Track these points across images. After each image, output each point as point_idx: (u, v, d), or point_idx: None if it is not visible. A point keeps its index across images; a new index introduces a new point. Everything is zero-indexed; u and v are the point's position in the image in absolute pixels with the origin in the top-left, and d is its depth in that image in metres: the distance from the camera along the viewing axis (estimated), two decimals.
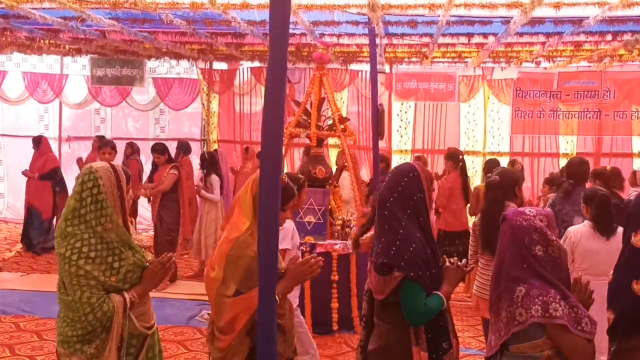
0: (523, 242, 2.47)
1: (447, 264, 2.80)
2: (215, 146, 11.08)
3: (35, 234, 8.91)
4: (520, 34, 7.40)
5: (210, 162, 7.66)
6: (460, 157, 7.67)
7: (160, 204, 7.25)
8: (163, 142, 7.98)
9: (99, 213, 2.52)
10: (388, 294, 2.65)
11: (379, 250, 2.72)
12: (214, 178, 7.61)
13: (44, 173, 8.94)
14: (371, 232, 2.92)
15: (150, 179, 7.72)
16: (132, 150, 9.17)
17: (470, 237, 4.56)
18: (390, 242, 2.69)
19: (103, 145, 6.55)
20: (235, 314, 2.61)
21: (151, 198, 7.55)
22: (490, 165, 7.07)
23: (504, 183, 4.25)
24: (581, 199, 4.57)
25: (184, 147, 8.29)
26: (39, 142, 9.15)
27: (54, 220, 9.01)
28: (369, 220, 4.10)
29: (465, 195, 7.32)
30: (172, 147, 9.78)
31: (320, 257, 2.72)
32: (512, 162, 8.34)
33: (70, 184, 9.49)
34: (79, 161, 8.81)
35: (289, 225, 4.10)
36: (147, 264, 2.63)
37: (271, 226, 2.50)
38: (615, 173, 6.03)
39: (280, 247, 3.72)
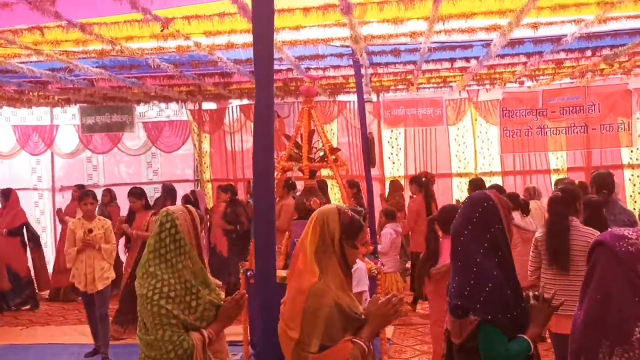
0: (635, 271, 1.95)
1: (532, 301, 2.54)
2: (209, 186, 11.16)
3: (12, 295, 8.49)
4: (502, 56, 7.49)
5: (194, 205, 7.57)
6: (424, 179, 8.04)
7: (139, 252, 6.82)
8: (141, 187, 7.80)
9: (179, 251, 2.59)
10: (465, 338, 2.46)
11: (453, 290, 2.52)
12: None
13: (13, 228, 8.54)
14: (446, 262, 2.81)
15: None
16: (111, 197, 9.10)
17: (531, 253, 4.50)
18: (464, 282, 2.48)
19: (84, 196, 6.25)
20: None
21: (128, 244, 7.25)
22: (475, 185, 7.41)
23: (567, 198, 4.32)
24: (615, 209, 4.76)
25: (171, 192, 8.24)
26: (8, 195, 8.62)
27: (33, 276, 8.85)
28: (430, 251, 4.17)
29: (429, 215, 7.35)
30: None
31: (401, 296, 2.52)
32: (475, 181, 8.35)
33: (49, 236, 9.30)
34: (59, 212, 8.68)
35: (361, 265, 3.95)
36: (222, 302, 2.70)
37: (268, 261, 2.62)
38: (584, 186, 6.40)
39: (357, 289, 3.73)
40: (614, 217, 4.88)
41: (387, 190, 9.74)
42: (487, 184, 9.56)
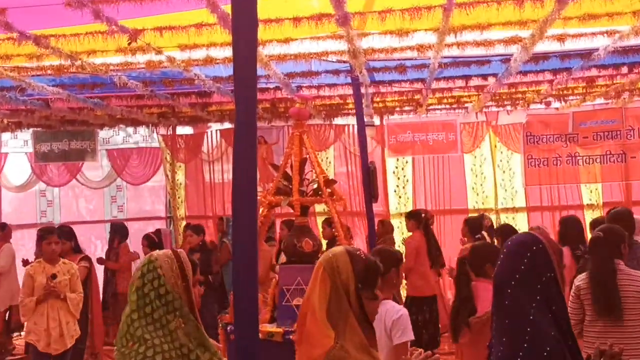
0: None
1: None
2: (184, 223, 11.14)
3: None
4: (524, 73, 7.61)
5: (159, 246, 7.63)
6: (423, 215, 8.31)
7: None
8: (68, 226, 7.66)
9: (167, 309, 2.56)
10: None
11: (500, 355, 2.43)
12: None
13: None
14: (487, 310, 2.75)
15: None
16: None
17: (570, 303, 4.48)
18: (515, 344, 2.39)
19: (46, 234, 6.00)
20: None
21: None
22: (472, 224, 7.68)
23: (610, 239, 4.34)
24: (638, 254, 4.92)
25: (120, 231, 8.19)
26: None
27: None
28: (464, 297, 4.18)
29: (431, 256, 7.87)
30: (133, 229, 9.92)
31: (437, 355, 2.47)
32: (481, 217, 8.66)
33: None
34: (25, 262, 8.48)
35: (404, 311, 3.92)
36: None
37: (250, 314, 2.62)
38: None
39: (401, 339, 3.75)
40: (637, 262, 4.92)
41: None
42: (507, 222, 9.82)
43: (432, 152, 10.69)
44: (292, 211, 6.01)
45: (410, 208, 10.82)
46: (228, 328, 5.30)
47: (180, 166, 11.61)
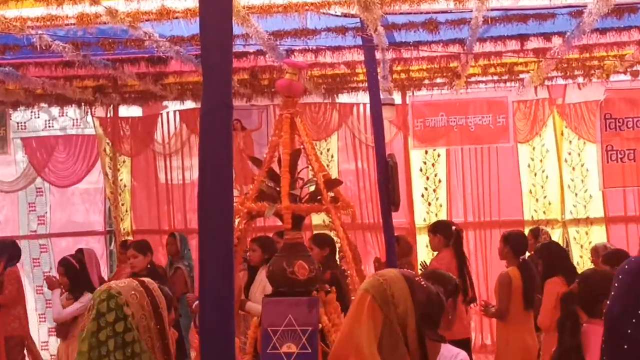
0: None
1: None
2: (130, 237, 11.27)
3: None
4: (602, 31, 7.66)
5: (81, 275, 7.84)
6: (454, 228, 8.28)
7: None
8: None
9: None
10: None
11: None
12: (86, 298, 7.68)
13: None
14: None
15: None
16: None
17: None
18: None
19: None
20: None
21: None
22: (516, 241, 7.76)
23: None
24: None
25: (7, 250, 8.33)
26: None
27: None
28: (568, 347, 4.24)
29: (464, 284, 7.78)
30: (59, 248, 10.36)
31: None
32: (535, 232, 8.97)
33: None
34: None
35: (460, 355, 4.05)
36: None
37: None
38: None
39: None
40: None
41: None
42: (579, 236, 10.21)
43: (475, 142, 10.79)
44: (279, 223, 6.06)
45: (444, 218, 10.83)
46: None
47: (124, 161, 11.65)
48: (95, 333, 2.58)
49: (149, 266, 8.21)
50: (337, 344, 2.59)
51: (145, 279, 2.78)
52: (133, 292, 2.65)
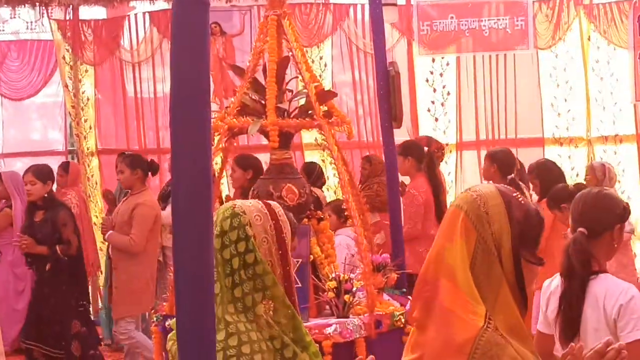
0: None
1: None
2: (96, 161, 11.24)
3: None
4: None
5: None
6: (427, 149, 8.28)
7: None
8: None
9: (254, 285, 2.67)
10: None
11: None
12: None
13: None
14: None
15: None
16: None
17: None
18: None
19: None
20: None
21: None
22: (503, 159, 7.87)
23: None
24: None
25: None
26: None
27: None
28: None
29: (439, 213, 7.86)
30: (15, 168, 10.06)
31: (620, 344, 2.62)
32: (506, 152, 8.57)
33: None
34: None
35: (631, 290, 3.91)
36: None
37: (203, 309, 2.52)
38: None
39: (634, 336, 3.79)
40: None
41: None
42: (609, 156, 10.34)
43: (489, 49, 10.41)
44: (265, 143, 6.22)
45: (453, 139, 10.70)
46: (167, 323, 5.45)
47: (87, 71, 11.16)
48: (219, 250, 2.65)
49: (46, 195, 8.07)
50: (426, 264, 2.63)
51: (272, 202, 2.88)
52: (257, 214, 2.72)
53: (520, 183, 7.92)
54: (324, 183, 9.10)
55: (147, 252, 7.79)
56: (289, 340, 2.69)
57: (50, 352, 7.96)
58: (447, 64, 10.69)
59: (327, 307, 5.78)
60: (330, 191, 10.01)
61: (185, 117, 2.46)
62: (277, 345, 2.67)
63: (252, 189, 6.14)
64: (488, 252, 2.52)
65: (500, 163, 7.86)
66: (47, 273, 7.94)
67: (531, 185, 8.05)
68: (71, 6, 10.80)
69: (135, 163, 8.00)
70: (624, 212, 4.11)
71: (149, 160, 8.59)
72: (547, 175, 7.73)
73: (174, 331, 2.71)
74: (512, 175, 7.82)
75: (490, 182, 7.18)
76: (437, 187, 8.24)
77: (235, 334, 2.61)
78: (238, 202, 2.77)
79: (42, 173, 8.09)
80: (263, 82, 5.91)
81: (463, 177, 10.85)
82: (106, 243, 8.65)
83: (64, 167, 9.82)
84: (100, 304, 10.31)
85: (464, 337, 2.45)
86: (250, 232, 2.67)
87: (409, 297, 5.66)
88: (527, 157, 9.81)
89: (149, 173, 8.16)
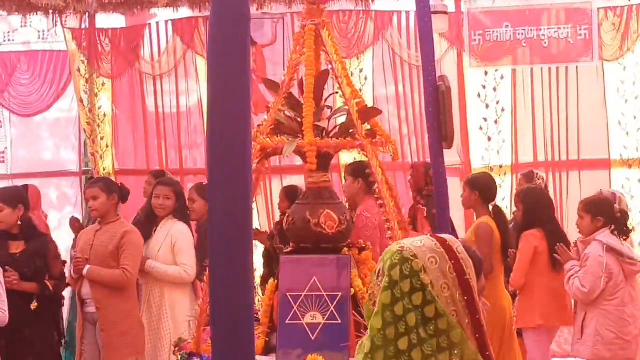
0: None
1: None
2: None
3: None
4: None
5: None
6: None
7: None
8: None
9: (437, 344, 2.43)
10: None
11: None
12: None
13: None
14: None
15: None
16: None
17: None
18: None
19: None
20: None
21: None
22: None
23: None
24: None
25: None
26: None
27: None
28: None
29: (504, 253, 7.73)
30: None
31: None
32: (528, 176, 8.80)
33: None
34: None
35: None
36: None
37: (240, 337, 2.84)
38: None
39: None
40: None
41: None
42: None
43: (549, 61, 10.04)
44: (300, 164, 6.29)
45: (509, 160, 10.36)
46: None
47: (104, 84, 10.77)
48: (388, 306, 2.44)
49: (20, 222, 7.59)
50: None
51: (447, 237, 2.59)
52: (431, 255, 2.49)
53: None
54: None
55: (134, 287, 7.51)
56: None
57: None
58: (502, 77, 10.31)
59: None
60: None
61: (225, 139, 2.71)
62: None
63: (287, 214, 6.03)
64: None
65: (482, 189, 7.79)
66: (30, 313, 7.46)
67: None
68: (87, 14, 10.64)
69: (111, 187, 7.61)
70: None
71: (119, 184, 8.27)
72: (533, 201, 7.74)
73: None
74: (494, 202, 7.93)
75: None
76: (502, 222, 7.93)
77: None
78: (407, 243, 2.54)
79: (11, 197, 7.62)
80: (299, 98, 5.84)
81: None
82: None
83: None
84: None
85: None
86: (426, 279, 2.47)
87: None
88: (592, 181, 9.90)
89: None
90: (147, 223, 8.00)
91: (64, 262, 7.65)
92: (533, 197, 7.82)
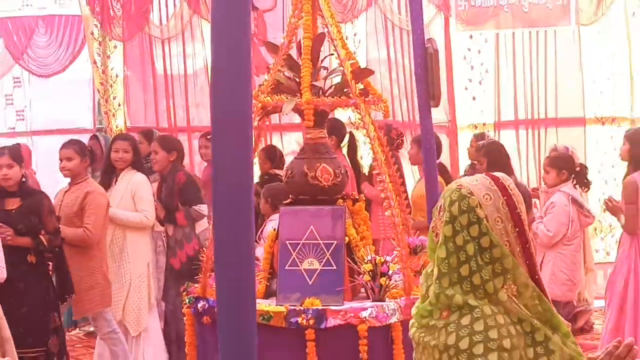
0: None
1: None
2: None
3: None
4: None
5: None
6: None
7: None
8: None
9: (493, 270, 2.35)
10: None
11: None
12: None
13: None
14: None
15: None
16: None
17: None
18: None
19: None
20: None
21: None
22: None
23: None
24: None
25: None
26: None
27: None
28: None
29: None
30: (43, 148, 10.04)
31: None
32: (479, 137, 8.49)
33: None
34: None
35: None
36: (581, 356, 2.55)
37: (241, 280, 2.74)
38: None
39: None
40: None
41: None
42: None
43: (529, 25, 9.67)
44: (298, 122, 6.41)
45: (491, 119, 10.05)
46: (199, 305, 5.18)
47: (115, 47, 10.25)
48: (450, 238, 2.38)
49: (24, 181, 6.92)
50: None
51: (500, 175, 2.49)
52: (486, 193, 2.39)
53: None
54: (284, 163, 8.46)
55: (100, 244, 6.99)
56: (539, 323, 2.39)
57: (28, 353, 6.61)
58: (486, 41, 9.91)
59: (363, 290, 5.36)
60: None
61: (227, 97, 2.62)
62: (526, 328, 2.36)
63: (286, 169, 5.76)
64: None
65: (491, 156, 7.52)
66: (25, 267, 6.69)
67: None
68: None
69: (85, 150, 7.11)
70: None
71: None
72: (495, 155, 7.54)
73: (413, 319, 2.52)
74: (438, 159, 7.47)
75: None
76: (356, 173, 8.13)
77: (480, 318, 2.31)
78: (464, 182, 2.46)
79: (17, 154, 6.91)
80: (297, 60, 5.47)
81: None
82: None
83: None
84: None
85: None
86: (481, 213, 2.37)
87: None
88: (568, 137, 9.62)
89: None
90: (106, 175, 7.53)
91: (59, 218, 6.88)
92: (495, 151, 7.66)
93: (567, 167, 7.23)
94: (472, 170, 8.02)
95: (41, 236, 6.58)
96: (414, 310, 2.48)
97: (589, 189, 7.63)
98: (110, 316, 7.11)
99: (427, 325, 2.40)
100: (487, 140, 8.45)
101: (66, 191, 7.07)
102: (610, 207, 7.10)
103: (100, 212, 6.87)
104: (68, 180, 7.09)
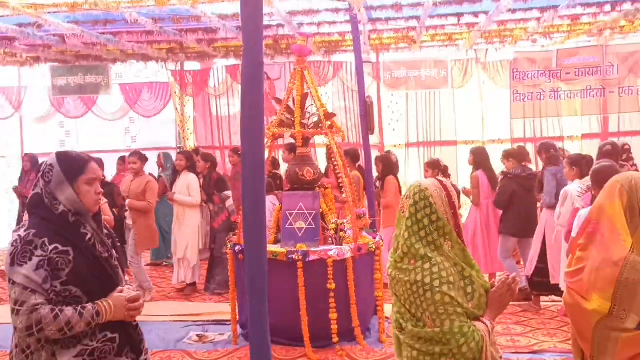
0: None
1: None
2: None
3: None
4: (513, 10, 7.93)
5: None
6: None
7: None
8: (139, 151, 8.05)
9: (438, 233, 2.54)
10: None
11: None
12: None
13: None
14: None
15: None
16: (32, 164, 9.24)
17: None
18: None
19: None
20: (637, 352, 2.53)
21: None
22: (478, 154, 7.53)
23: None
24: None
25: (37, 164, 8.24)
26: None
27: None
28: None
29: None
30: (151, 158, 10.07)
31: (515, 275, 2.62)
32: (386, 154, 8.63)
33: None
34: (15, 190, 9.04)
35: None
36: (490, 285, 2.69)
37: (258, 236, 2.70)
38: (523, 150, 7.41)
39: None
40: None
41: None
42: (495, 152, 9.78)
43: (425, 88, 10.86)
44: (293, 141, 5.96)
45: (403, 141, 11.25)
46: (236, 248, 5.53)
47: (188, 100, 11.82)
48: (414, 214, 2.54)
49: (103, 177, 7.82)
50: (591, 212, 2.70)
51: (444, 179, 2.72)
52: (435, 188, 2.58)
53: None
54: (279, 167, 8.81)
55: (152, 211, 7.43)
56: (464, 265, 2.57)
57: None
58: (401, 97, 11.06)
59: (330, 239, 5.79)
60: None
61: (249, 127, 2.64)
62: (458, 268, 2.55)
63: (286, 170, 6.02)
64: (633, 210, 2.59)
65: (352, 156, 7.68)
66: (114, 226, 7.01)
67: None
68: (179, 62, 11.28)
69: (142, 157, 7.60)
70: None
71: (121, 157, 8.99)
72: (388, 162, 7.71)
73: (390, 263, 2.59)
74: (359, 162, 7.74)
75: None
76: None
77: (436, 265, 2.48)
78: (423, 182, 2.64)
79: (142, 155, 7.71)
80: (293, 107, 5.82)
81: (407, 167, 11.03)
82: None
83: (122, 159, 9.70)
84: None
85: (619, 255, 2.53)
86: (432, 200, 2.56)
87: (377, 233, 6.18)
88: (447, 154, 10.58)
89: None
90: (174, 175, 8.00)
91: (124, 198, 7.69)
92: (387, 160, 7.82)
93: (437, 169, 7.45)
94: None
95: (114, 209, 7.33)
96: (390, 257, 2.62)
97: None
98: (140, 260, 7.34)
99: (401, 268, 2.55)
100: (384, 153, 8.67)
101: (132, 180, 7.48)
102: (465, 192, 7.53)
103: (155, 192, 7.37)
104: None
